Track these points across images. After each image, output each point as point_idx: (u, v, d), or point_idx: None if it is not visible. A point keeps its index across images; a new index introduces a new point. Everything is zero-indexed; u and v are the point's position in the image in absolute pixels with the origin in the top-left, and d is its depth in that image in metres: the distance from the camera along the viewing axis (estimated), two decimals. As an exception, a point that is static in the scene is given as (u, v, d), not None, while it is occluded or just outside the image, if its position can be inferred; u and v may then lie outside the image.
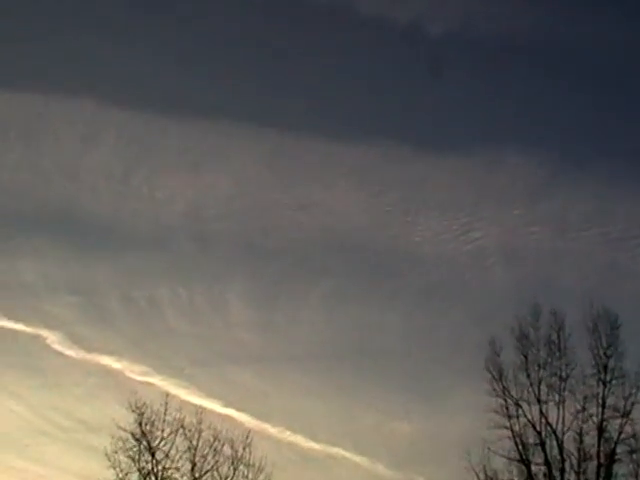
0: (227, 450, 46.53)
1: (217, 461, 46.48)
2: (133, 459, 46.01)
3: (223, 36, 74.42)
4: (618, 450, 46.58)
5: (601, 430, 46.69)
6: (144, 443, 46.33)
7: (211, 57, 73.50)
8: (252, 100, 72.20)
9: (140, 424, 46.51)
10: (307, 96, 74.01)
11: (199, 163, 74.00)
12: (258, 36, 72.86)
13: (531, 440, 47.27)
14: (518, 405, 47.70)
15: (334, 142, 69.30)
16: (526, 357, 48.49)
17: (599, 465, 46.36)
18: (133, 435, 46.28)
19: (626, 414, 46.70)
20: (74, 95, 67.73)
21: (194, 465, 46.35)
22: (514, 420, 47.54)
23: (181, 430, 46.67)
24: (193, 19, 73.15)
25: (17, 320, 62.41)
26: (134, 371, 59.09)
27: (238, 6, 73.81)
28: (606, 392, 47.14)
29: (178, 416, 46.84)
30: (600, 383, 47.31)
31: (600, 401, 47.03)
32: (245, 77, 72.82)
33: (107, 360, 61.41)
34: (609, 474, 46.51)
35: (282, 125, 69.46)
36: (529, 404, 47.62)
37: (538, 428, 47.18)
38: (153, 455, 46.24)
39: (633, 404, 46.76)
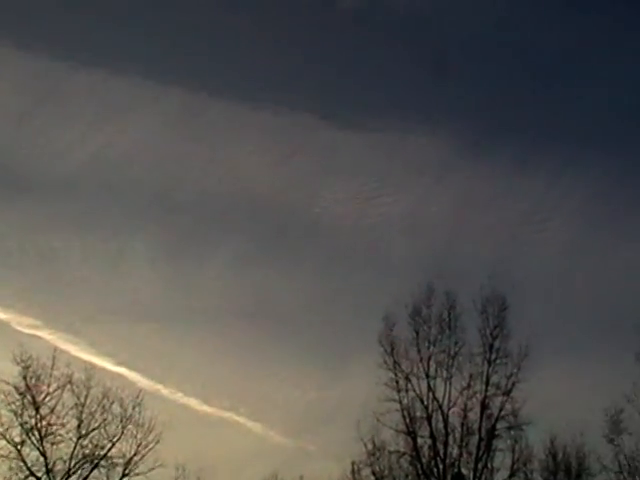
0: (116, 408, 46.04)
1: (105, 419, 45.82)
2: (15, 413, 44.79)
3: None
4: (498, 426, 48.58)
5: (484, 407, 48.54)
6: (28, 397, 45.06)
7: (125, 8, 71.47)
8: (162, 56, 70.59)
9: (25, 378, 45.16)
10: (216, 57, 73.25)
11: (105, 113, 71.26)
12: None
13: (418, 413, 48.64)
14: (408, 379, 48.97)
15: (243, 104, 68.84)
16: (418, 333, 49.78)
17: (480, 440, 48.18)
18: (16, 389, 44.95)
19: (507, 392, 48.70)
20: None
21: (81, 422, 45.37)
22: (403, 393, 48.86)
23: (69, 386, 45.73)
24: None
25: None
26: (22, 323, 56.45)
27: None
28: (490, 371, 49.05)
29: (66, 371, 45.73)
30: (485, 362, 49.16)
31: (484, 379, 48.88)
32: (156, 33, 71.34)
33: (-7, 310, 58.30)
34: (489, 448, 48.36)
35: (191, 84, 68.22)
36: (418, 379, 49.01)
37: (425, 402, 48.61)
38: (37, 410, 44.94)
39: (514, 383, 48.77)
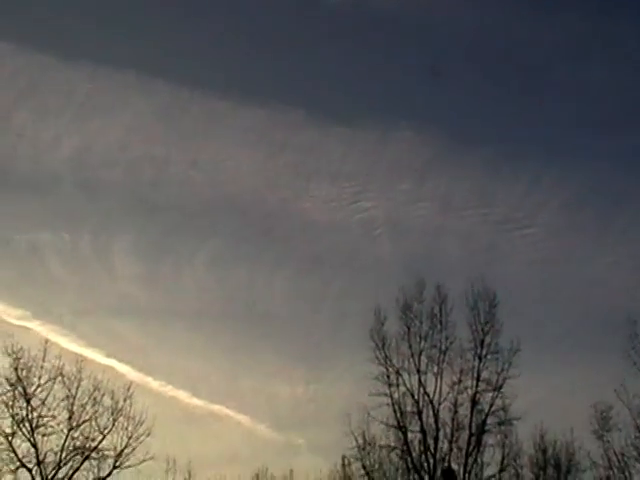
0: (107, 401, 46.00)
1: (96, 411, 45.78)
2: (6, 404, 44.62)
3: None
4: (488, 422, 48.80)
5: (474, 402, 48.71)
6: (19, 389, 44.85)
7: (109, 3, 71.33)
8: (145, 50, 70.57)
9: (16, 369, 44.93)
10: (201, 52, 73.29)
11: (88, 107, 71.03)
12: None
13: (409, 408, 48.84)
14: (398, 374, 49.08)
15: (229, 101, 68.84)
16: (409, 328, 49.90)
17: (470, 435, 48.35)
18: (7, 380, 44.74)
19: (498, 388, 48.84)
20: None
21: (72, 414, 45.24)
22: (394, 388, 48.98)
23: (60, 378, 45.57)
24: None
25: None
26: (11, 314, 56.26)
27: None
28: (481, 366, 49.21)
29: (57, 363, 45.51)
30: (476, 357, 49.31)
31: (475, 374, 49.04)
32: (143, 27, 71.34)
33: (-19, 301, 57.95)
34: (479, 444, 48.54)
35: (176, 79, 68.13)
36: (409, 374, 49.15)
37: (416, 397, 48.80)
38: (28, 402, 44.75)
39: (505, 379, 48.93)
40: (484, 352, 49.30)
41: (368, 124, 68.15)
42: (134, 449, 44.99)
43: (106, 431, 45.11)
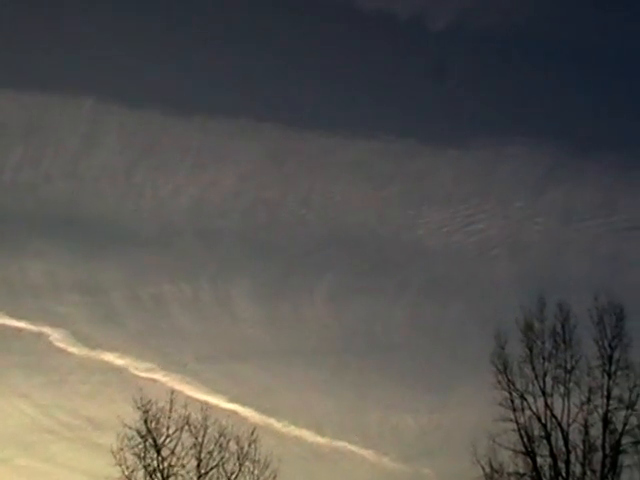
0: (233, 446, 46.31)
1: (223, 457, 46.24)
2: (139, 456, 45.79)
3: (221, 33, 74.89)
4: (623, 441, 46.50)
5: (606, 421, 46.66)
6: (150, 440, 46.10)
7: (209, 54, 73.55)
8: (251, 96, 72.58)
9: (146, 421, 46.25)
10: (306, 91, 74.22)
11: (200, 160, 74.14)
12: (256, 32, 73.25)
13: (536, 432, 47.25)
14: (523, 398, 47.65)
15: (334, 136, 69.44)
16: (531, 349, 48.40)
17: (604, 456, 46.30)
18: (139, 432, 46.00)
19: (631, 405, 46.66)
20: (74, 94, 67.78)
21: (200, 462, 46.13)
22: (519, 413, 47.55)
23: (187, 427, 46.45)
24: (192, 16, 73.74)
25: (20, 318, 62.56)
26: (138, 368, 59.06)
27: (237, 3, 74.41)
28: (611, 383, 47.09)
29: (183, 412, 46.69)
30: (605, 374, 47.25)
31: (605, 392, 46.99)
32: (243, 74, 73.37)
33: (111, 357, 61.42)
34: (614, 465, 46.45)
35: (281, 120, 69.57)
36: (534, 396, 47.60)
37: (543, 420, 47.14)
38: (159, 452, 46.06)
39: (638, 395, 46.71)
40: (613, 368, 47.28)
41: (477, 144, 67.32)
42: (262, 493, 45.80)
43: (233, 476, 45.69)
